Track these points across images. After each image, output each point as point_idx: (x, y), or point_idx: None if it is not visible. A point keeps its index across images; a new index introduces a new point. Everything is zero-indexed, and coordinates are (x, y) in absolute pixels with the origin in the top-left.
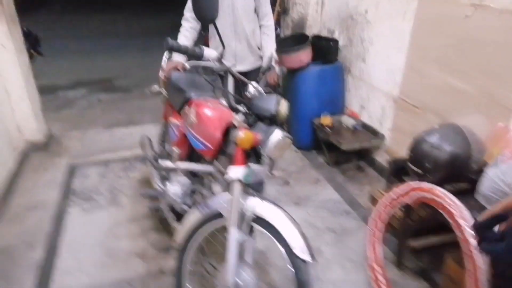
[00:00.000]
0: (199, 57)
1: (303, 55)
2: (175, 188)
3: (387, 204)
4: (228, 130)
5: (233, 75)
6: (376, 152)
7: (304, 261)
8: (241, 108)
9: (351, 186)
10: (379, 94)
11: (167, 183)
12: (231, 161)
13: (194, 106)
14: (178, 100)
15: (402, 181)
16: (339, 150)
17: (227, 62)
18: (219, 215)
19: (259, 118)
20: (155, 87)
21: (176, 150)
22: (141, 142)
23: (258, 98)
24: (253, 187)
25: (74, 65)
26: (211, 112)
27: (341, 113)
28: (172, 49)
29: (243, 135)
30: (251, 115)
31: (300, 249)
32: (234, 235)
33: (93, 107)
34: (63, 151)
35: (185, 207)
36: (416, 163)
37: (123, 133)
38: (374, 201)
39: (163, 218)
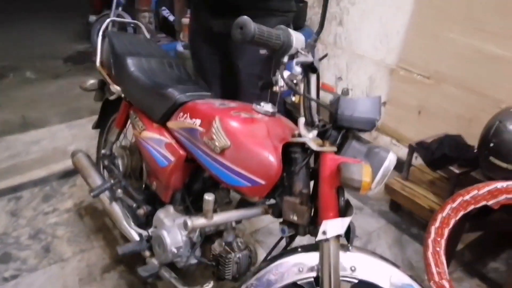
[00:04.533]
0: (286, 49)
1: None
2: (176, 237)
3: (458, 207)
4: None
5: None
6: None
7: None
8: (300, 120)
9: None
10: (365, 63)
11: (160, 230)
12: (304, 203)
13: (215, 118)
14: (154, 104)
15: (436, 169)
16: None
17: None
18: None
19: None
20: (91, 82)
21: (209, 198)
22: (76, 164)
23: (347, 101)
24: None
25: None
26: (254, 127)
27: None
28: (252, 40)
29: (364, 172)
30: (335, 129)
31: None
32: None
33: None
34: None
35: (194, 261)
36: (500, 156)
37: (23, 142)
38: (391, 191)
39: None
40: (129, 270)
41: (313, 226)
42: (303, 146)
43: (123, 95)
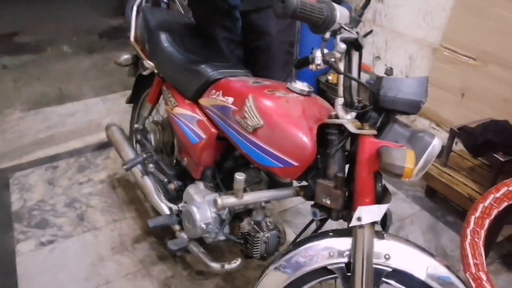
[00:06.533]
0: (329, 24)
1: None
2: (205, 214)
3: (502, 197)
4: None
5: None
6: None
7: None
8: (338, 100)
9: None
10: (406, 41)
11: (190, 205)
12: (339, 187)
13: (249, 96)
14: (187, 80)
15: (478, 156)
16: None
17: None
18: (323, 272)
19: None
20: (126, 57)
21: (239, 177)
22: (110, 137)
23: (391, 81)
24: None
25: None
26: (289, 107)
27: None
28: (294, 14)
29: (408, 157)
30: (376, 111)
31: None
32: None
33: None
34: None
35: (223, 238)
36: None
37: (59, 114)
38: (428, 177)
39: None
40: (159, 242)
41: (347, 211)
42: (340, 128)
43: (156, 71)
